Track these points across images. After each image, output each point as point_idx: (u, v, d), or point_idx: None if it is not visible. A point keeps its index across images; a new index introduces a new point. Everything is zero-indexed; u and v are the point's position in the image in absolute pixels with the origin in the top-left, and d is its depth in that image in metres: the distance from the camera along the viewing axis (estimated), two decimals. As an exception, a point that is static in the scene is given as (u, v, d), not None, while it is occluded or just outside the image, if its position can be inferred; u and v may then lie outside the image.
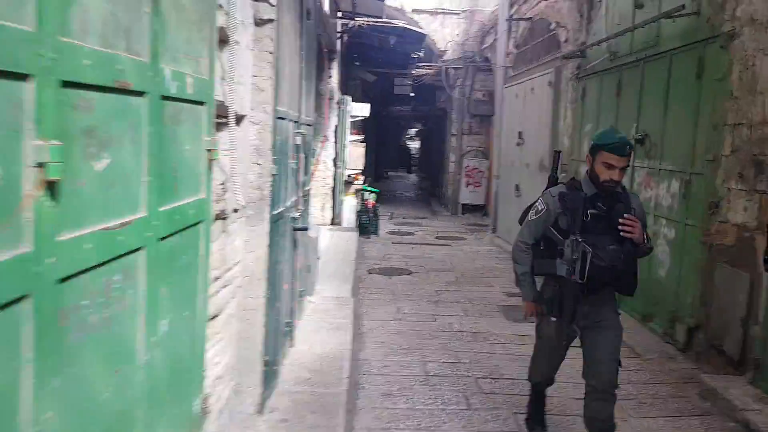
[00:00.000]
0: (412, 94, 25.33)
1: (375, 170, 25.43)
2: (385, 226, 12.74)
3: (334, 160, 10.71)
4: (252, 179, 3.20)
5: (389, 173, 32.79)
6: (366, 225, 11.03)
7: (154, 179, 1.80)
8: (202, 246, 2.38)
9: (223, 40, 2.47)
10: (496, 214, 11.62)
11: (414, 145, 41.85)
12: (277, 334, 3.80)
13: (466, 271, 8.29)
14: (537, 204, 3.18)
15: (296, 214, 4.25)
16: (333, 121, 10.57)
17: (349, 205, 11.04)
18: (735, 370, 4.18)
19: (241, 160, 2.95)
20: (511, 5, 11.06)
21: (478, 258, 9.33)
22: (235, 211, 2.96)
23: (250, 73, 3.11)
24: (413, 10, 14.41)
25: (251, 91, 3.14)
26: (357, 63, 13.62)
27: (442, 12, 15.01)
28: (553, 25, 8.73)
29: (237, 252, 3.06)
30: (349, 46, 12.42)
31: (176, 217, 2.03)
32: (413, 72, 14.55)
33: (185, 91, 1.99)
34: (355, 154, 10.78)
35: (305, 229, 4.33)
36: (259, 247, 3.26)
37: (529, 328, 5.66)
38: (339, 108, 10.66)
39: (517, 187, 9.97)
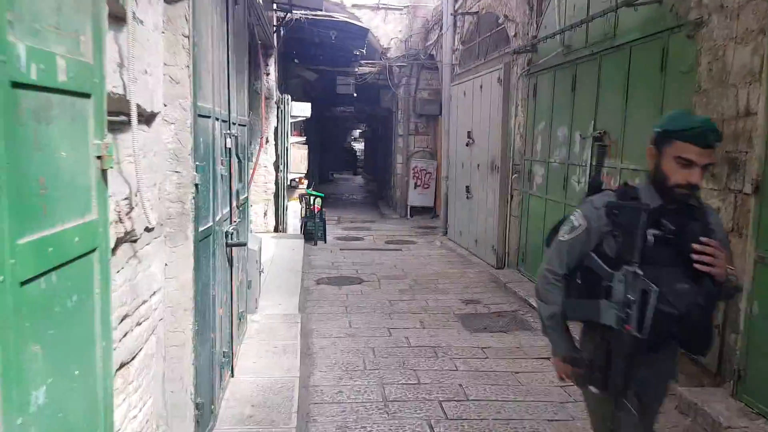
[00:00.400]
0: (355, 95, 24.99)
1: (320, 173, 24.82)
2: (332, 231, 12.21)
3: (276, 164, 10.11)
4: (170, 190, 2.65)
5: (335, 176, 32.26)
6: (312, 231, 10.48)
7: (4, 200, 1.26)
8: (97, 281, 1.82)
9: (118, 16, 1.92)
10: (446, 216, 11.30)
11: (359, 146, 41.44)
12: (212, 368, 3.25)
13: (419, 277, 7.88)
14: (572, 219, 2.22)
15: (230, 228, 3.70)
16: (272, 121, 9.97)
17: (294, 210, 10.46)
18: (712, 380, 3.92)
19: (153, 168, 2.40)
20: None
21: (430, 262, 8.95)
22: (149, 230, 2.41)
23: (161, 61, 2.56)
24: (353, 5, 13.91)
25: (164, 84, 2.59)
26: (296, 61, 13.04)
27: (384, 7, 14.60)
28: (501, 19, 8.46)
29: (154, 280, 2.50)
30: (287, 42, 11.83)
31: (49, 250, 1.48)
32: (356, 70, 14.09)
33: (55, 77, 1.44)
34: (298, 157, 10.22)
35: (242, 244, 3.79)
36: (182, 271, 2.71)
37: (491, 339, 5.36)
38: (278, 108, 10.07)
39: (467, 189, 9.66)
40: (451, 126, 10.91)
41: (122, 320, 2.14)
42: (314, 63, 13.34)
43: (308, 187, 13.31)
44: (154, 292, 2.51)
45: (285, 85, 12.38)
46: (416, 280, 7.67)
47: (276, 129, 10.12)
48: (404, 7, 14.84)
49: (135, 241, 2.25)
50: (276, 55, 10.10)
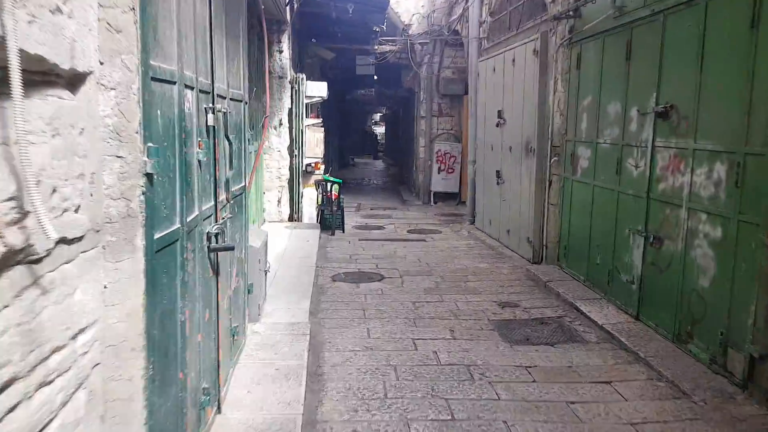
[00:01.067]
0: (376, 76, 24.08)
1: (339, 157, 24.04)
2: (351, 219, 11.45)
3: (290, 148, 9.35)
4: (109, 183, 1.88)
5: (355, 160, 31.49)
6: (329, 220, 9.73)
7: None
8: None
9: None
10: (474, 203, 10.45)
11: (380, 130, 40.57)
12: (182, 416, 2.50)
13: (446, 273, 7.09)
14: None
15: (214, 228, 2.93)
16: (286, 103, 9.20)
17: (310, 198, 9.72)
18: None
19: (79, 151, 1.64)
20: (485, -32, 9.83)
21: (458, 255, 8.14)
22: (70, 241, 1.65)
23: (94, 1, 1.79)
24: (374, -20, 13.03)
25: (98, 33, 1.82)
26: (313, 40, 12.21)
27: (407, -19, 13.66)
28: (537, -16, 7.52)
29: (83, 312, 1.75)
30: (302, 17, 11.01)
31: None
32: (376, 48, 13.22)
33: None
34: (314, 140, 9.45)
35: (228, 248, 3.04)
36: (129, 295, 1.95)
37: (536, 355, 4.52)
38: (293, 88, 9.29)
39: (498, 174, 8.79)
40: (479, 105, 10.02)
41: (10, 385, 1.39)
42: (331, 41, 12.50)
43: (325, 172, 12.59)
44: (83, 330, 1.76)
45: (301, 64, 11.58)
46: (443, 277, 6.87)
47: (290, 110, 9.35)
48: (427, -21, 13.88)
49: (36, 261, 1.49)
50: (290, 32, 9.30)
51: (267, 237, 5.18)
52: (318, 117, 12.13)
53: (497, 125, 8.80)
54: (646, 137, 4.89)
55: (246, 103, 4.25)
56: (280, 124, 9.16)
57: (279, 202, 9.31)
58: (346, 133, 30.14)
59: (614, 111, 5.52)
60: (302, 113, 9.32)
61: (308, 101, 9.50)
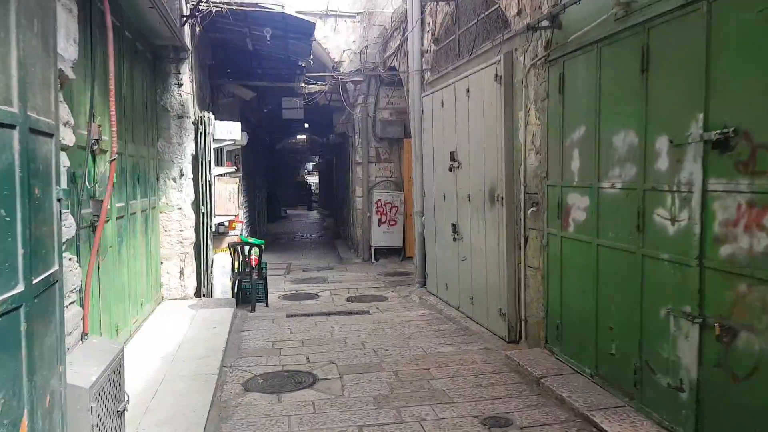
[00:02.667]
0: (307, 124, 22.54)
1: (270, 210, 22.06)
2: (278, 286, 9.53)
3: (195, 204, 7.43)
4: None
5: (288, 212, 29.57)
6: (249, 292, 7.78)
7: None
8: None
9: None
10: (424, 262, 8.79)
11: (314, 179, 38.99)
12: None
13: (400, 365, 5.30)
14: None
15: None
16: (188, 148, 7.33)
17: (222, 266, 7.75)
18: None
19: None
20: (424, -10, 8.50)
21: (412, 334, 6.38)
22: None
23: None
24: (297, 12, 11.55)
25: None
26: (227, 75, 10.47)
27: (334, 14, 12.28)
28: (495, -4, 6.15)
29: None
30: (214, 50, 9.28)
31: None
32: (302, 86, 11.61)
33: None
34: (225, 194, 7.58)
35: None
36: None
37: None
38: (197, 131, 7.45)
39: (454, 228, 7.19)
40: (425, 148, 8.50)
41: None
42: (251, 78, 10.80)
43: (254, 232, 10.70)
44: None
45: (214, 105, 9.79)
46: (397, 373, 5.07)
47: (195, 158, 7.48)
48: (357, 13, 12.57)
49: None
50: (193, 61, 7.53)
51: (120, 355, 3.21)
52: (235, 166, 10.27)
53: (450, 169, 7.26)
54: (689, 178, 3.38)
55: (52, 139, 2.40)
56: (181, 174, 7.25)
57: (181, 273, 7.30)
58: (276, 184, 28.31)
59: (626, 143, 4.03)
60: (209, 161, 7.46)
61: (217, 146, 7.66)
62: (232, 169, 8.13)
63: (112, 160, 3.90)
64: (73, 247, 3.27)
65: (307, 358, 5.57)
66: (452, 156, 7.18)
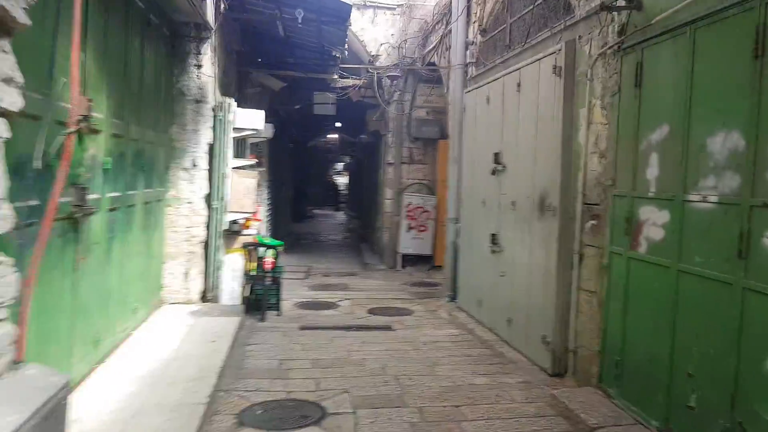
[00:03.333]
0: (338, 124, 21.90)
1: (293, 209, 21.49)
2: (294, 291, 8.83)
3: (207, 198, 6.78)
4: None
5: (314, 212, 29.03)
6: (260, 299, 7.08)
7: None
8: None
9: None
10: (455, 274, 7.98)
11: (342, 180, 38.46)
12: None
13: (426, 398, 4.51)
14: None
15: None
16: (205, 136, 6.68)
17: (233, 268, 7.07)
18: None
19: None
20: (472, -24, 7.73)
21: (440, 359, 5.58)
22: None
23: None
24: (334, 1, 10.87)
25: None
26: (257, 62, 9.83)
27: (373, 5, 11.60)
28: (556, -24, 5.33)
29: None
30: (244, 36, 8.65)
31: None
32: (336, 80, 10.91)
33: None
34: (242, 189, 6.90)
35: None
36: None
37: None
38: (215, 117, 6.80)
39: (493, 238, 6.37)
40: (465, 149, 7.70)
41: None
42: (281, 68, 10.15)
43: (266, 232, 10.07)
44: None
45: (241, 94, 9.16)
46: (422, 410, 4.28)
47: (212, 147, 6.83)
48: (397, 5, 11.86)
49: None
50: (215, 42, 6.90)
51: (62, 395, 2.46)
52: (258, 159, 9.63)
53: (493, 173, 6.44)
54: (829, 193, 2.52)
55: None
56: (194, 165, 6.61)
57: (186, 275, 6.64)
58: (304, 182, 27.79)
59: (726, 147, 3.18)
60: (226, 151, 6.79)
61: (238, 135, 6.99)
62: (252, 162, 7.45)
63: (68, 133, 3.17)
64: (11, 247, 2.58)
65: (317, 384, 4.81)
66: (496, 158, 6.36)
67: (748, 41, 3.03)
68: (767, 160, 2.89)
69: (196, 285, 6.70)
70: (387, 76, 11.23)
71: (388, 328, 6.83)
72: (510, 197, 6.02)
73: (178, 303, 6.63)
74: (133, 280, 5.37)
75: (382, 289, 9.45)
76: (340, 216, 29.51)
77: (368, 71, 11.47)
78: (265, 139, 9.47)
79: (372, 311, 7.81)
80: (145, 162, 5.58)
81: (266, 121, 9.29)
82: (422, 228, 11.34)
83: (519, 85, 5.89)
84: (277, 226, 15.28)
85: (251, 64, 9.63)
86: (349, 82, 11.71)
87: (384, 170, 12.31)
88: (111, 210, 4.63)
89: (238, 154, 8.25)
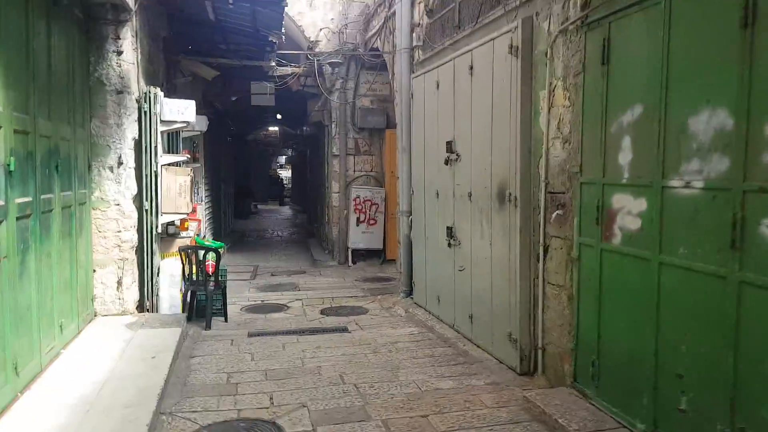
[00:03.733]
0: (279, 116, 21.16)
1: (239, 205, 20.66)
2: (241, 294, 8.30)
3: (137, 199, 6.15)
4: None
5: (258, 207, 28.15)
6: (204, 305, 6.53)
7: None
8: None
9: None
10: (410, 268, 7.64)
11: (286, 174, 37.61)
12: None
13: (391, 410, 4.14)
14: None
15: None
16: (129, 130, 6.04)
17: (171, 274, 6.47)
18: None
19: None
20: (416, -45, 7.33)
21: (401, 362, 5.22)
22: None
23: None
24: (269, -16, 10.24)
25: None
26: (188, 49, 9.12)
27: (311, -12, 11.03)
28: (509, -51, 4.99)
29: None
30: (168, 18, 7.95)
31: None
32: (274, 67, 10.30)
33: None
34: (175, 187, 6.29)
35: None
36: None
37: None
38: (141, 109, 6.16)
39: (450, 231, 6.05)
40: (414, 138, 7.34)
41: None
42: (214, 55, 9.47)
43: (208, 232, 9.47)
44: None
45: (169, 85, 8.46)
46: (388, 423, 3.91)
47: (139, 142, 6.19)
48: (336, -12, 11.33)
49: None
50: (139, 26, 6.24)
51: None
52: (193, 155, 8.98)
53: (446, 163, 6.11)
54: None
55: None
56: (120, 163, 5.96)
57: (119, 284, 6.01)
58: (246, 178, 26.89)
59: (711, 126, 2.93)
60: (156, 146, 6.17)
61: (166, 129, 6.36)
62: (184, 158, 6.82)
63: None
64: None
65: (271, 398, 4.36)
66: (449, 147, 6.03)
67: (735, 9, 2.77)
68: (760, 140, 2.64)
69: (132, 294, 6.08)
70: (328, 63, 10.72)
71: (343, 329, 6.42)
72: (466, 188, 5.70)
73: (112, 315, 6.01)
74: (56, 293, 4.74)
75: (335, 287, 9.02)
76: (286, 211, 28.76)
77: (308, 58, 10.94)
78: (199, 133, 8.84)
79: (325, 312, 7.39)
80: (62, 161, 4.92)
81: (199, 113, 8.66)
82: (372, 222, 10.95)
83: (471, 68, 5.56)
84: (218, 225, 14.55)
85: (180, 51, 8.92)
86: (288, 70, 11.13)
87: (329, 162, 11.83)
88: (21, 218, 4.00)
89: (171, 149, 7.60)
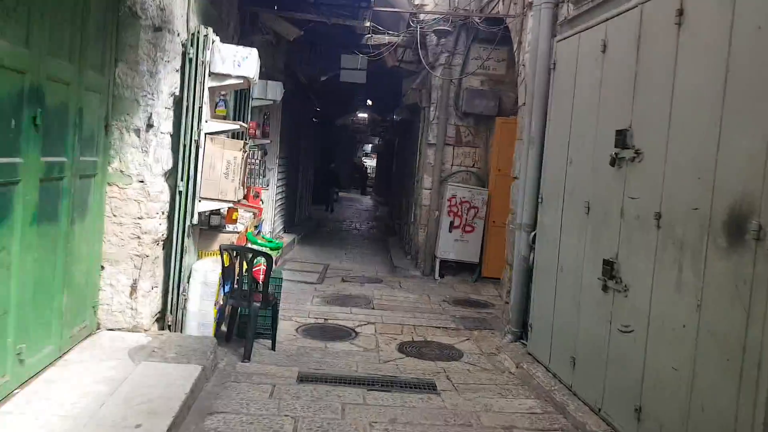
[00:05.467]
0: (369, 102, 19.61)
1: (320, 192, 19.19)
2: (302, 305, 6.66)
3: (169, 176, 4.51)
4: None
5: (339, 194, 26.78)
6: (245, 325, 4.85)
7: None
8: None
9: None
10: (525, 303, 5.60)
11: (371, 163, 36.25)
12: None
13: None
14: None
15: None
16: (166, 83, 4.40)
17: (205, 281, 4.80)
18: None
19: None
20: None
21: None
22: None
23: None
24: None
25: None
26: (269, 3, 7.48)
27: (420, -60, 9.11)
28: None
29: None
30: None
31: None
32: (366, 26, 8.49)
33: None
34: (221, 165, 4.58)
35: None
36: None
37: None
38: (186, 56, 4.51)
39: (609, 269, 3.96)
40: (553, 124, 5.28)
41: None
42: (297, 7, 7.79)
43: (278, 222, 7.92)
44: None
45: (244, 43, 6.84)
46: None
47: (179, 99, 4.56)
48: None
49: None
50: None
51: None
52: (264, 131, 7.36)
53: (613, 163, 4.01)
54: None
55: None
56: (149, 125, 4.33)
57: (134, 288, 4.40)
58: (331, 163, 25.58)
59: None
60: (199, 108, 4.49)
61: (217, 84, 4.65)
62: (236, 126, 5.05)
63: None
64: None
65: None
66: (621, 139, 3.94)
67: None
68: None
69: (150, 304, 4.47)
70: (433, 32, 8.79)
71: (430, 387, 4.52)
72: (649, 205, 3.60)
73: (120, 330, 4.42)
74: (17, 305, 3.15)
75: (417, 309, 7.14)
76: (367, 201, 27.28)
77: (410, 25, 9.06)
78: (271, 102, 7.18)
79: (404, 348, 5.54)
80: (48, 112, 3.31)
81: (277, 78, 7.04)
82: (468, 228, 8.96)
83: (681, 13, 3.44)
84: (292, 212, 13.07)
85: (259, 2, 7.30)
86: (385, 39, 9.32)
87: (422, 153, 9.92)
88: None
89: (237, 116, 6.01)
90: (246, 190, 6.92)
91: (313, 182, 17.85)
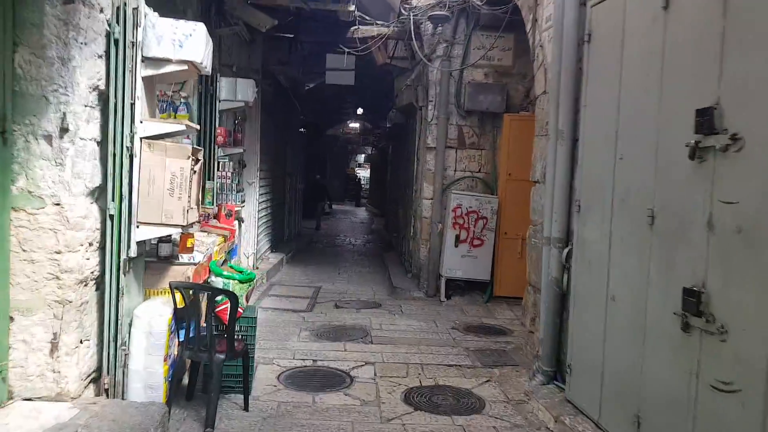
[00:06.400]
0: (360, 110, 18.67)
1: (311, 206, 18.04)
2: (287, 339, 5.58)
3: (99, 197, 3.40)
4: None
5: (332, 206, 25.63)
6: (207, 381, 3.73)
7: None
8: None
9: None
10: (558, 335, 4.50)
11: (364, 173, 35.25)
12: None
13: None
14: None
15: None
16: (83, 70, 3.30)
17: (153, 328, 3.67)
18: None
19: None
20: None
21: None
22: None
23: None
24: None
25: None
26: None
27: None
28: None
29: None
30: None
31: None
32: (351, 11, 7.42)
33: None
34: (164, 179, 3.47)
35: None
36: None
37: None
38: (110, 37, 3.41)
39: (693, 301, 2.87)
40: (589, 112, 4.21)
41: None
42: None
43: (264, 239, 6.94)
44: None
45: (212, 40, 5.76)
46: None
47: (105, 96, 3.46)
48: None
49: None
50: None
51: None
52: (237, 137, 6.27)
53: (692, 155, 2.92)
54: None
55: None
56: (63, 130, 3.23)
57: (54, 344, 3.27)
58: (322, 175, 24.55)
59: None
60: (131, 105, 3.39)
61: (154, 72, 3.54)
62: (181, 126, 3.87)
63: None
64: None
65: None
66: (706, 121, 2.85)
67: None
68: None
69: (77, 364, 3.33)
70: (428, 19, 7.75)
71: (448, 461, 3.40)
72: (756, 212, 2.53)
73: (39, 398, 3.30)
74: None
75: (423, 341, 6.03)
76: (362, 213, 26.20)
77: (401, 14, 8.02)
78: (242, 105, 6.10)
79: (411, 398, 4.42)
80: None
81: (251, 77, 6.01)
82: (477, 242, 7.86)
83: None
84: (280, 228, 11.95)
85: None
86: (374, 30, 8.28)
87: (420, 158, 8.85)
88: None
89: (202, 122, 4.93)
90: (216, 208, 5.85)
91: (303, 194, 16.73)
